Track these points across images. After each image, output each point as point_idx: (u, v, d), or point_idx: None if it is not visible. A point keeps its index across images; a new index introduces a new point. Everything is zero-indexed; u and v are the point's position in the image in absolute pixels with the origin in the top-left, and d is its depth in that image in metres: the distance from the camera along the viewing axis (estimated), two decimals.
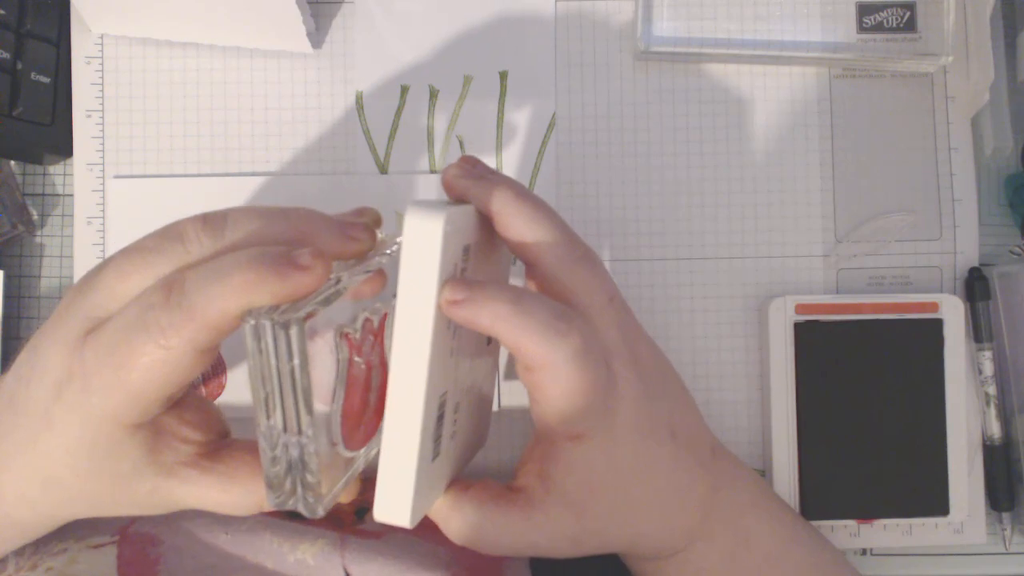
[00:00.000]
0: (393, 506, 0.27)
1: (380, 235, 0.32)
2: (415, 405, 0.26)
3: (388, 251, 0.31)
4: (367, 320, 0.29)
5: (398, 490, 0.27)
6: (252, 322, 0.24)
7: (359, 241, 0.29)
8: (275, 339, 0.24)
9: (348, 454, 0.29)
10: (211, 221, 0.28)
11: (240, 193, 0.43)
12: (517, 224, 0.29)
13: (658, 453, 0.32)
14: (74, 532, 0.34)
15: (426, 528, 0.35)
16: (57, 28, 0.43)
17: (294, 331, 0.24)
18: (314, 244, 0.27)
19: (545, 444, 0.31)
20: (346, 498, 0.30)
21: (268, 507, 0.28)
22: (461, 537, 0.31)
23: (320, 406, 0.26)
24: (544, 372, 0.28)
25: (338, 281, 0.27)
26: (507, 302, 0.27)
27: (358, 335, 0.29)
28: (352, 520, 0.39)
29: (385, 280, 0.30)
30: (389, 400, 0.26)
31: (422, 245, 0.25)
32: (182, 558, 0.34)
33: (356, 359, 0.29)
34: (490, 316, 0.27)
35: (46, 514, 0.30)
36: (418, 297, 0.26)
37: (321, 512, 0.27)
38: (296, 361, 0.24)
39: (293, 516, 0.38)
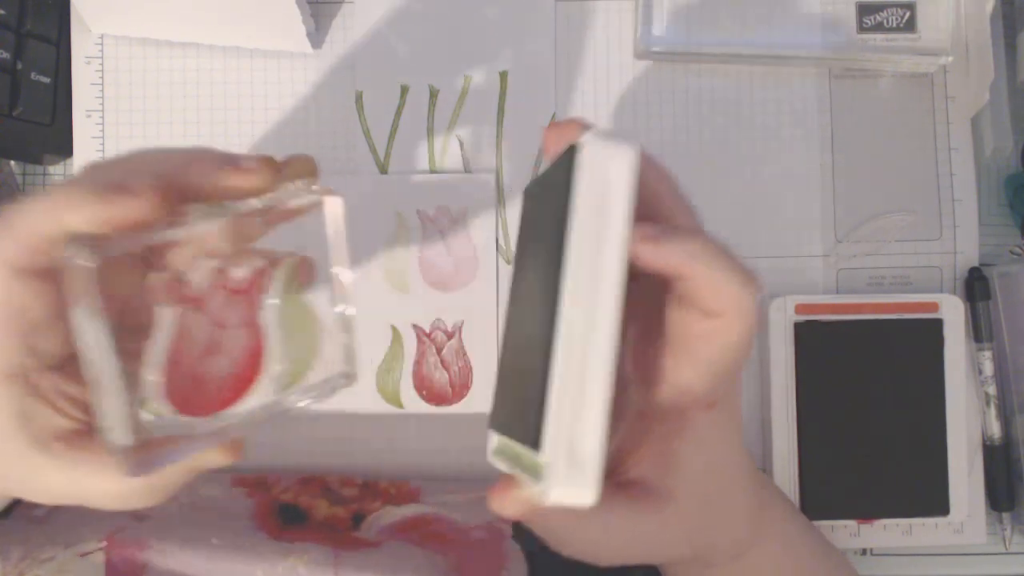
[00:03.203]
0: (573, 480, 0.22)
1: (305, 191, 0.29)
2: (604, 357, 0.22)
3: (292, 201, 0.28)
4: (217, 271, 0.27)
5: (581, 461, 0.22)
6: (66, 250, 0.22)
7: (243, 172, 0.26)
8: (70, 266, 0.22)
9: (182, 419, 0.26)
10: (112, 158, 0.26)
11: None
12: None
13: (739, 436, 0.30)
14: (62, 539, 0.34)
15: (427, 537, 0.35)
16: (57, 28, 0.43)
17: (82, 255, 0.22)
18: (183, 176, 0.25)
19: (670, 421, 0.28)
20: (204, 464, 0.27)
21: (134, 500, 0.26)
22: (568, 540, 0.27)
23: (147, 365, 0.24)
24: (727, 317, 0.25)
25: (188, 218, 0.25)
26: (700, 240, 0.25)
27: (200, 287, 0.26)
28: (348, 526, 0.38)
29: (263, 229, 0.28)
30: (558, 355, 0.22)
31: (611, 176, 0.23)
32: (170, 564, 0.33)
33: (190, 312, 0.26)
34: (686, 253, 0.24)
35: None
36: (608, 234, 0.23)
37: (133, 474, 0.24)
38: (87, 300, 0.22)
39: (287, 521, 0.38)
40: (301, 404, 0.28)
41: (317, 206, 0.29)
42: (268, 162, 0.26)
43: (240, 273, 0.27)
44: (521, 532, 0.38)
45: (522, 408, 0.24)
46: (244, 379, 0.27)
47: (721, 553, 0.31)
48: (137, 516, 0.36)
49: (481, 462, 0.42)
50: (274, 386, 0.27)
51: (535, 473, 0.23)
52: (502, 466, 0.27)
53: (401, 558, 0.35)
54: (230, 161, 0.26)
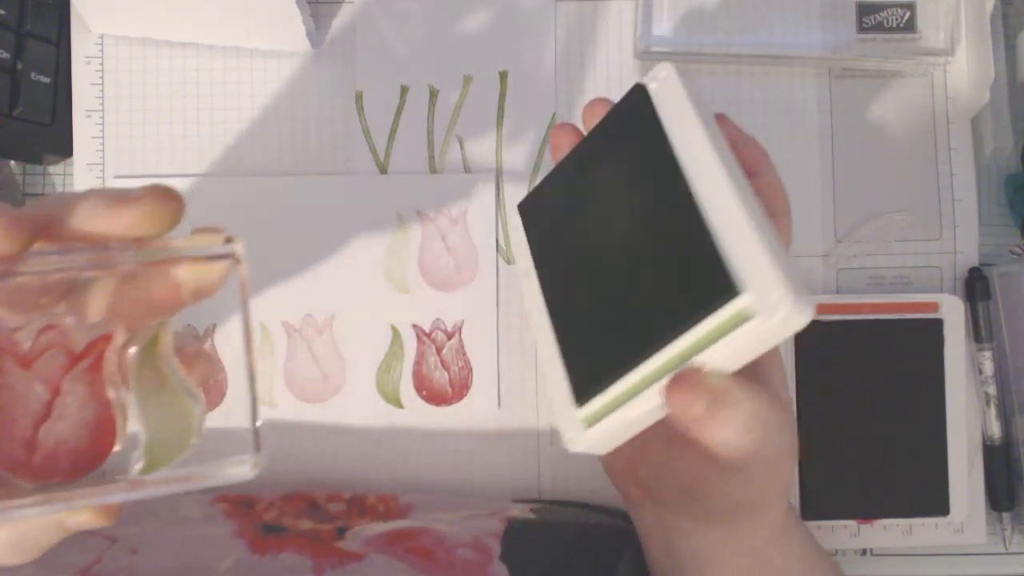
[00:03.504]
0: (792, 298, 0.23)
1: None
2: (746, 191, 0.26)
3: (184, 251, 0.24)
4: (47, 328, 0.24)
5: (787, 279, 0.24)
6: None
7: (125, 202, 0.22)
8: None
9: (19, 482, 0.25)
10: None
11: (240, 193, 0.43)
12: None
13: None
14: (32, 572, 0.33)
15: (412, 552, 0.34)
16: (57, 28, 0.43)
17: None
18: (56, 212, 0.22)
19: None
20: (74, 525, 0.25)
21: None
22: (754, 429, 0.27)
23: None
24: (785, 218, 0.31)
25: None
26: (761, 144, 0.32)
27: (25, 343, 0.24)
28: (333, 537, 0.37)
29: (169, 299, 0.25)
30: (710, 212, 0.26)
31: (685, 80, 0.29)
32: None
33: (15, 368, 0.24)
34: (759, 148, 0.31)
35: None
36: (703, 108, 0.28)
37: None
38: None
39: (269, 531, 0.37)
40: (176, 489, 0.25)
41: (223, 272, 0.25)
42: (156, 190, 0.22)
43: (78, 336, 0.24)
44: (510, 552, 0.36)
45: (673, 298, 0.26)
46: (89, 453, 0.25)
47: (766, 521, 0.32)
48: (109, 538, 0.35)
49: (477, 476, 0.42)
50: (135, 465, 0.25)
51: (735, 324, 0.24)
52: (614, 420, 0.27)
53: (386, 574, 0.34)
54: (117, 195, 0.22)
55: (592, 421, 0.28)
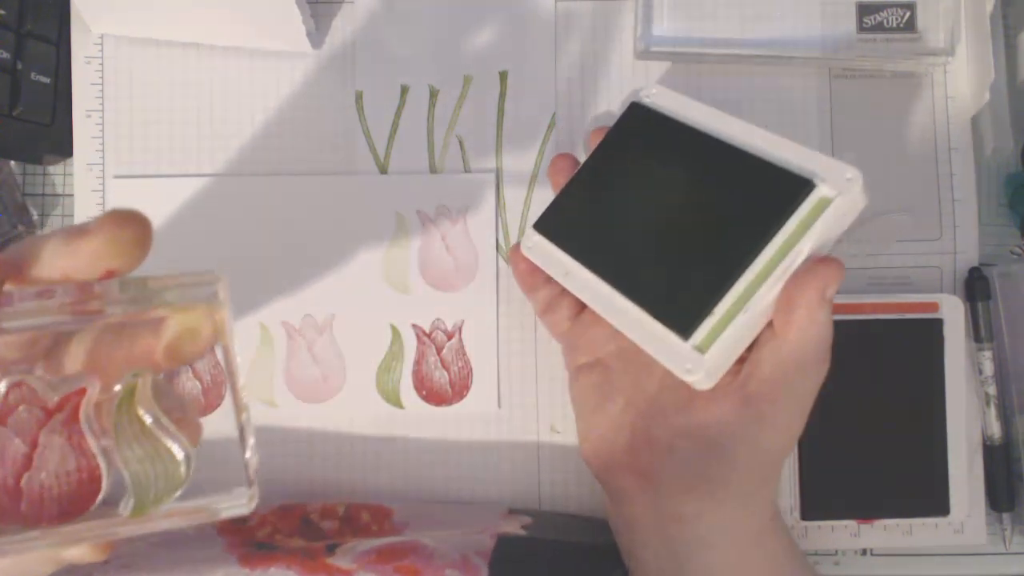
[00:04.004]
0: (851, 172, 0.30)
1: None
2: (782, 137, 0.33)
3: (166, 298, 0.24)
4: (16, 385, 0.25)
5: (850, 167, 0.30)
6: None
7: (82, 235, 0.21)
8: None
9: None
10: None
11: (240, 193, 0.43)
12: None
13: None
14: None
15: (400, 572, 0.34)
16: (57, 28, 0.43)
17: None
18: (19, 255, 0.22)
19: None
20: (68, 559, 0.26)
21: None
22: (826, 331, 0.32)
23: None
24: None
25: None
26: None
27: None
28: (323, 553, 0.37)
29: (149, 354, 0.24)
30: (773, 160, 0.32)
31: (675, 91, 0.36)
32: None
33: None
34: None
35: None
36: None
37: None
38: None
39: (260, 548, 0.37)
40: (176, 524, 0.26)
41: (207, 331, 0.25)
42: (114, 216, 0.21)
43: (50, 390, 0.25)
44: (499, 573, 0.36)
45: (753, 215, 0.31)
46: (75, 497, 0.26)
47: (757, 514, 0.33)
48: None
49: (478, 479, 0.42)
50: (125, 509, 0.25)
51: (821, 209, 0.31)
52: (728, 334, 0.31)
53: None
54: (76, 229, 0.21)
55: (706, 345, 0.31)
